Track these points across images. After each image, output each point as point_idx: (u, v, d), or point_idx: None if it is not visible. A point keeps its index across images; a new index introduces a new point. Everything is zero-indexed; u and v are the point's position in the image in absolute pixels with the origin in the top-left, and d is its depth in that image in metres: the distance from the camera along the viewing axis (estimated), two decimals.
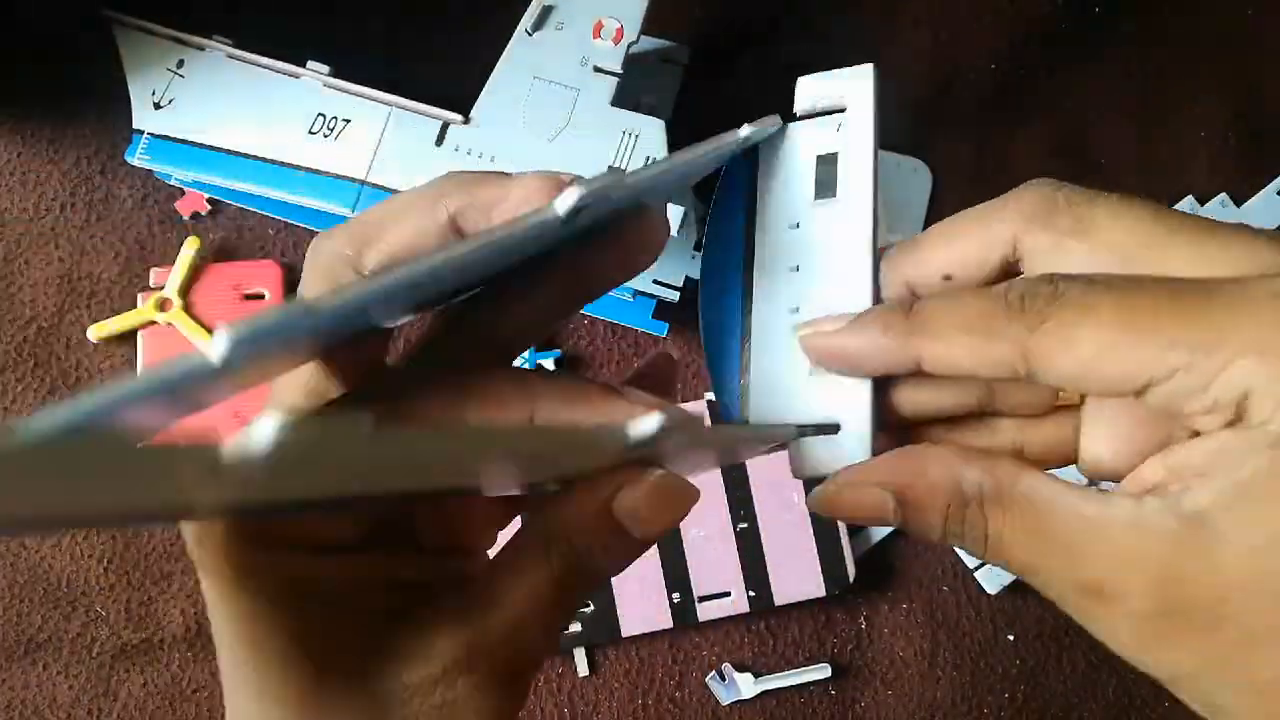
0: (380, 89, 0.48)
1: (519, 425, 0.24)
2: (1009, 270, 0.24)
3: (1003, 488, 0.23)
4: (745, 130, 0.27)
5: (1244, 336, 0.20)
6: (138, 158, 0.49)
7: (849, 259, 0.26)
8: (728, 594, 0.50)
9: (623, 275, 0.26)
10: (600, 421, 0.24)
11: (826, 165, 0.27)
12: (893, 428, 0.27)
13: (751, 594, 0.50)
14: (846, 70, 0.27)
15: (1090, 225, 0.23)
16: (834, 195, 0.27)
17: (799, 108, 0.28)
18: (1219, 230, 0.22)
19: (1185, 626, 0.20)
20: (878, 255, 0.26)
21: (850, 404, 0.26)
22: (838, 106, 0.27)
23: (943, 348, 0.23)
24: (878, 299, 0.26)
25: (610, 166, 0.21)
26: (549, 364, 0.52)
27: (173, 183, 0.52)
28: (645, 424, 0.21)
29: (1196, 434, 0.21)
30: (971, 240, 0.24)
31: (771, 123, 0.28)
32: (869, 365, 0.25)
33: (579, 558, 0.24)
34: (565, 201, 0.21)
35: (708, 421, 0.26)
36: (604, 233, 0.24)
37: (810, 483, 0.26)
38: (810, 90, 0.28)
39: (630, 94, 0.48)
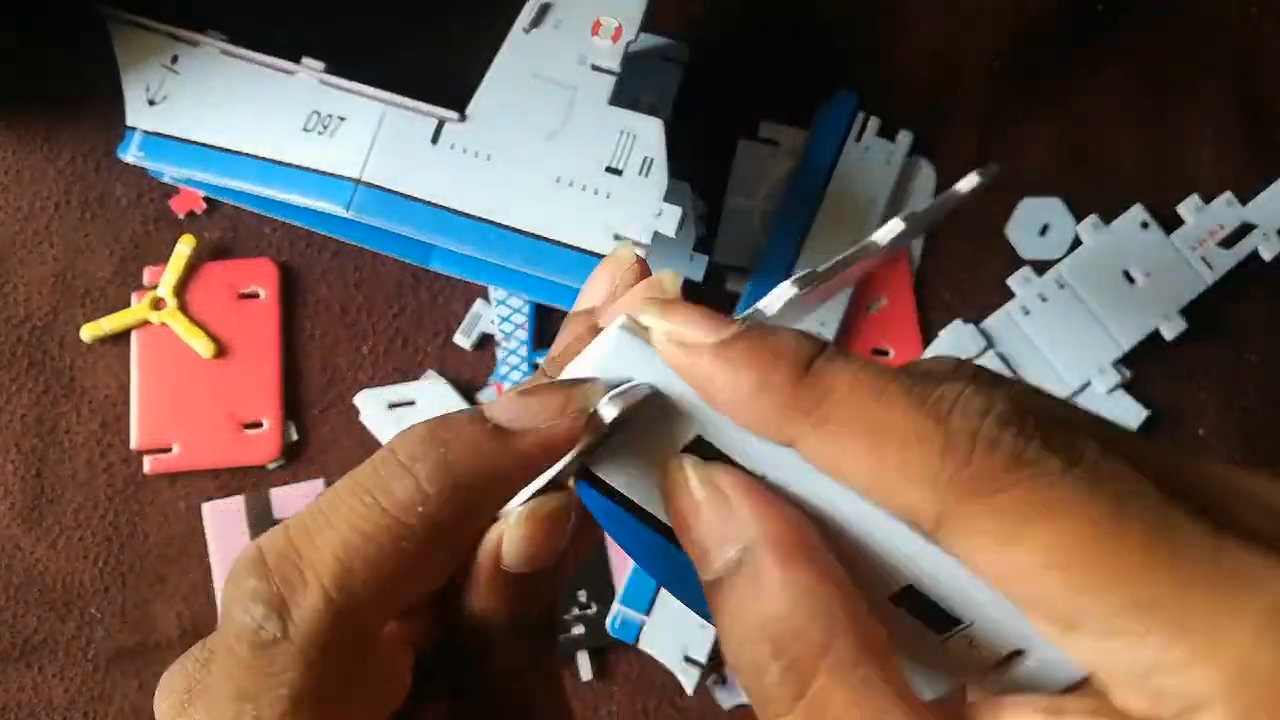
0: (375, 86, 0.47)
1: None
2: None
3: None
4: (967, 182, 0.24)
5: (1230, 642, 0.16)
6: (131, 155, 0.48)
7: None
8: None
9: None
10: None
11: None
12: None
13: None
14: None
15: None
16: None
17: None
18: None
19: None
20: None
21: None
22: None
23: (839, 460, 0.18)
24: None
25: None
26: None
27: (167, 180, 0.52)
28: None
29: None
30: None
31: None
32: (715, 398, 0.19)
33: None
34: None
35: (778, 304, 0.21)
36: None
37: None
38: None
39: (630, 93, 0.47)
